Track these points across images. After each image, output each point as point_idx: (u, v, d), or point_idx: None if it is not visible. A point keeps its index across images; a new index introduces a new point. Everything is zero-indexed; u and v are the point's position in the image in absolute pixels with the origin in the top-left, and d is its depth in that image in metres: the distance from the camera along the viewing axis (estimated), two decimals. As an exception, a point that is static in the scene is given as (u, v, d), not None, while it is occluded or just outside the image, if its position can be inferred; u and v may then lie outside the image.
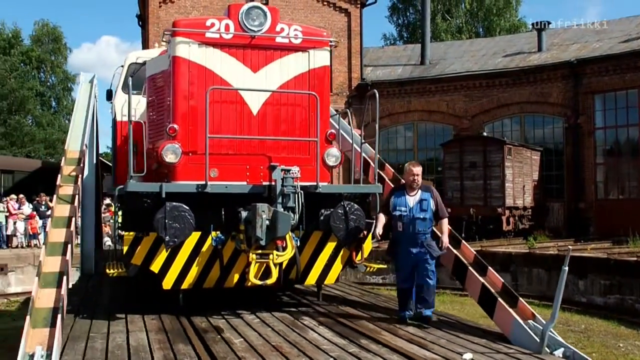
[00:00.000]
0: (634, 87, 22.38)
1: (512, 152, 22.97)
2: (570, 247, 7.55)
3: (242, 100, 7.92)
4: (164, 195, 7.18)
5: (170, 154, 7.46)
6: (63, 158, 9.63)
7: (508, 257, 18.46)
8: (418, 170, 7.50)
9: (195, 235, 7.42)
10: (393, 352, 6.01)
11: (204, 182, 7.37)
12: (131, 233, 7.34)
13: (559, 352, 6.22)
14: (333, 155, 8.23)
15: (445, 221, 7.61)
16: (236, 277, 7.68)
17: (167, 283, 7.44)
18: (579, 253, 17.11)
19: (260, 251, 7.31)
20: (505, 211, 22.49)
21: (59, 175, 8.72)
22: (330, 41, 8.55)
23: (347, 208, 7.90)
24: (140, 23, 30.58)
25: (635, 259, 15.25)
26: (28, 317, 5.35)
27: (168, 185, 7.34)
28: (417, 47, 30.42)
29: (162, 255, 7.37)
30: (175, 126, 7.61)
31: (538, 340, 6.27)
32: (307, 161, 8.05)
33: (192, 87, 7.74)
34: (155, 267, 7.38)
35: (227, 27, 7.89)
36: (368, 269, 8.78)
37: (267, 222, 7.12)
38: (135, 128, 8.69)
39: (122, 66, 12.06)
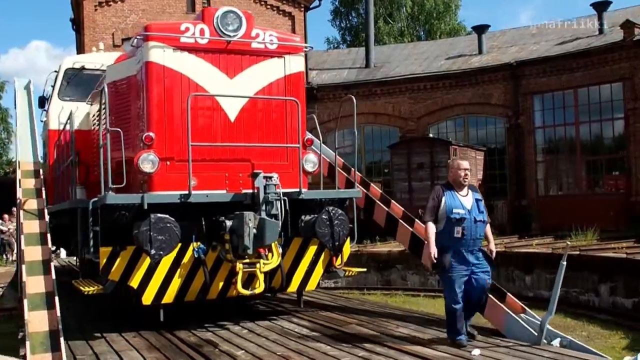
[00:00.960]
0: (569, 88, 23.38)
1: (457, 152, 23.70)
2: (568, 243, 7.86)
3: (220, 107, 7.86)
4: (145, 207, 7.04)
5: (147, 163, 7.28)
6: (18, 170, 9.22)
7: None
8: (467, 164, 6.75)
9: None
10: (403, 354, 6.09)
11: (186, 192, 7.27)
12: (108, 247, 7.15)
13: (556, 342, 6.50)
14: (311, 161, 8.32)
15: (489, 225, 6.90)
16: (219, 288, 7.67)
17: (147, 298, 7.31)
18: (525, 249, 17.91)
19: (247, 260, 7.38)
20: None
21: (18, 189, 8.44)
22: (305, 47, 8.63)
23: (332, 213, 7.96)
24: (75, 27, 29.83)
25: (577, 252, 16.09)
26: (28, 343, 5.28)
27: (150, 196, 7.20)
28: (361, 51, 30.94)
29: (142, 270, 7.25)
30: (152, 134, 7.43)
31: (534, 332, 6.52)
32: (285, 167, 8.12)
33: (167, 93, 7.59)
34: (135, 282, 7.25)
35: (202, 31, 7.78)
36: (347, 273, 8.85)
37: (255, 230, 7.18)
38: (78, 137, 8.46)
39: (57, 72, 11.61)
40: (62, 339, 5.41)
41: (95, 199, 7.33)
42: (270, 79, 8.26)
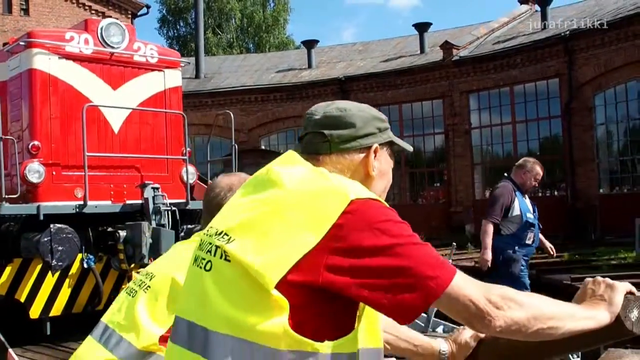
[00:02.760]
0: (395, 103, 25.18)
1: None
2: (454, 244, 8.64)
3: (104, 118, 7.97)
4: (41, 217, 7.01)
5: (34, 173, 7.25)
6: None
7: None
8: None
9: None
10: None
11: (81, 203, 7.35)
12: None
13: (439, 330, 7.26)
14: (190, 172, 8.68)
15: None
16: (106, 298, 7.74)
17: (35, 311, 7.23)
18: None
19: (141, 270, 7.55)
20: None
21: None
22: (182, 62, 9.01)
23: None
24: None
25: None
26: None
27: (45, 207, 7.17)
28: (191, 61, 30.98)
29: (29, 282, 7.17)
30: (38, 143, 7.40)
31: (421, 323, 7.17)
32: (166, 179, 8.40)
33: (53, 102, 7.59)
34: (22, 295, 7.15)
35: (86, 41, 7.86)
36: None
37: (150, 240, 7.36)
38: None
39: None
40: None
41: None
42: (152, 91, 8.52)
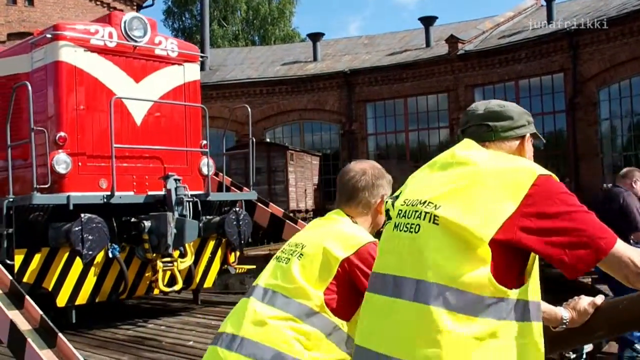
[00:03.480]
0: (400, 97, 25.48)
1: (294, 157, 24.84)
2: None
3: (127, 110, 8.25)
4: (71, 207, 7.27)
5: (62, 164, 7.51)
6: None
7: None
8: None
9: None
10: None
11: (109, 193, 7.61)
12: (22, 249, 7.26)
13: None
14: (210, 165, 9.01)
15: None
16: (129, 287, 8.03)
17: (62, 300, 7.49)
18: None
19: (166, 259, 7.82)
20: (290, 214, 24.30)
21: None
22: (201, 56, 9.24)
23: (239, 214, 8.66)
24: None
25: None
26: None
27: (75, 197, 7.43)
28: (195, 53, 31.21)
29: (57, 271, 7.44)
30: (65, 134, 7.65)
31: None
32: (185, 171, 8.71)
33: (78, 94, 7.83)
34: (49, 284, 7.42)
35: (110, 34, 8.12)
36: (238, 270, 9.51)
37: (174, 230, 7.63)
38: None
39: None
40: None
41: (10, 199, 7.31)
42: (172, 85, 8.82)
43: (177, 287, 8.08)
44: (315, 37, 28.74)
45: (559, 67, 21.56)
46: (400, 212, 2.08)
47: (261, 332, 2.44)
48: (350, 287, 2.51)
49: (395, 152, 26.28)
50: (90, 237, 7.21)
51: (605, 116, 20.90)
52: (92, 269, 7.73)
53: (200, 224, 8.60)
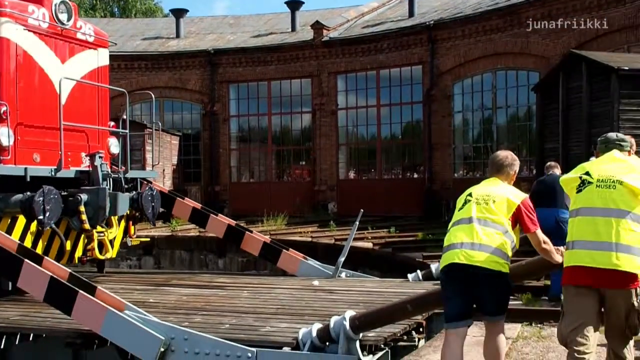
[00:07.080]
0: (263, 80, 26.15)
1: (152, 136, 24.91)
2: (361, 210, 9.99)
3: (54, 89, 8.79)
4: (28, 179, 7.93)
5: (3, 136, 8.02)
6: None
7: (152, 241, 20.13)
8: None
9: (22, 220, 8.13)
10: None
11: (55, 167, 8.34)
12: None
13: (343, 275, 9.53)
14: (115, 144, 9.97)
15: None
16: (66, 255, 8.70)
17: None
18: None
19: (100, 229, 8.68)
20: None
21: None
22: (111, 42, 10.11)
23: (153, 191, 9.61)
24: None
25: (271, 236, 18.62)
26: None
27: (30, 169, 8.07)
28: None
29: None
30: (6, 108, 8.10)
31: (328, 272, 9.45)
32: (100, 149, 9.40)
33: (19, 71, 8.39)
34: None
35: (44, 16, 8.71)
36: (133, 242, 10.41)
37: (109, 203, 8.46)
38: None
39: None
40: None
41: None
42: (90, 67, 9.60)
43: (109, 255, 9.03)
44: (178, 13, 28.85)
45: (418, 60, 23.12)
46: (599, 180, 4.68)
47: (488, 240, 4.90)
48: (515, 218, 5.01)
49: (257, 135, 26.99)
50: (48, 207, 7.87)
51: (459, 109, 22.70)
52: (28, 238, 8.27)
53: None
